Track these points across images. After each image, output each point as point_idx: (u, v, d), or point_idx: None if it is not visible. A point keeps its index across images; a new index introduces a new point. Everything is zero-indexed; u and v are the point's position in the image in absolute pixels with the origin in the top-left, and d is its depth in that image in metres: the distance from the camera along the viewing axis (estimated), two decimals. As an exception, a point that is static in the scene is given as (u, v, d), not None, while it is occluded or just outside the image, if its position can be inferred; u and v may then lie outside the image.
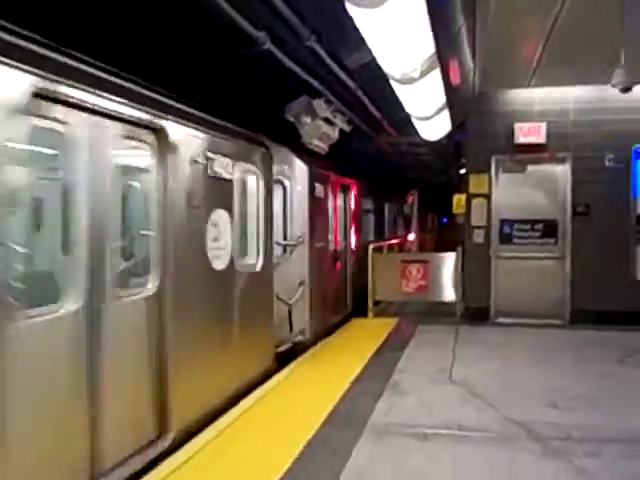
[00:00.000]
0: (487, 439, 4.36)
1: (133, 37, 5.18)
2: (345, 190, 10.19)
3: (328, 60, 5.90)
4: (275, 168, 6.58)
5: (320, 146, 7.75)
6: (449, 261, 9.63)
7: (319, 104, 6.97)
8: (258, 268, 5.95)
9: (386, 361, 6.70)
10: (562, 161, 9.17)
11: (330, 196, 9.07)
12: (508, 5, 5.70)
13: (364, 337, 8.18)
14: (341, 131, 8.08)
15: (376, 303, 10.02)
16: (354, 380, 5.90)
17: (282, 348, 6.80)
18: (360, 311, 9.84)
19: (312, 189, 7.89)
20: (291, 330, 7.37)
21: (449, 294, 9.57)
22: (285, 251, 7.53)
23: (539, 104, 9.19)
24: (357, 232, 10.77)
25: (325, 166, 8.81)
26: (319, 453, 4.07)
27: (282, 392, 5.52)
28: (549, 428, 4.51)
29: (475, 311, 9.29)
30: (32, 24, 3.27)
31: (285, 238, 7.52)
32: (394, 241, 14.27)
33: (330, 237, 9.07)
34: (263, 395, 5.38)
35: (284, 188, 7.60)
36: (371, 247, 10.09)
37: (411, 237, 17.53)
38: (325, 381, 5.93)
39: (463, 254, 9.51)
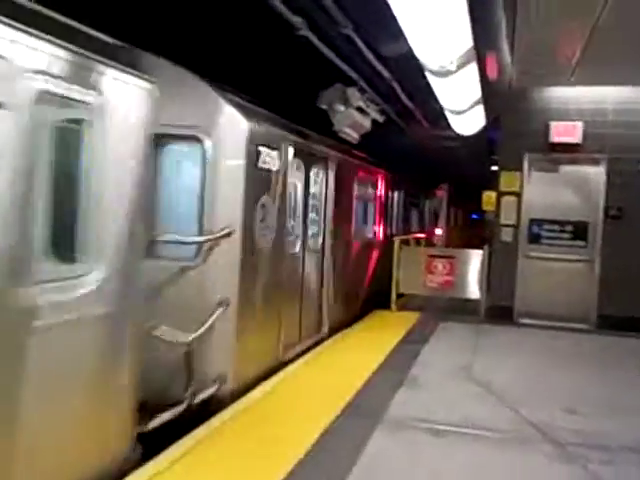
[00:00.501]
0: (502, 439, 4.32)
1: (170, 21, 5.22)
2: (359, 175, 9.09)
3: (364, 49, 5.87)
4: (179, 114, 4.58)
5: (352, 135, 7.71)
6: (476, 258, 9.54)
7: (353, 93, 6.95)
8: (91, 289, 3.12)
9: (406, 354, 6.68)
10: (597, 162, 9.00)
11: (321, 177, 7.34)
12: (550, 2, 5.58)
13: (386, 329, 8.16)
14: (374, 121, 8.03)
15: (400, 296, 9.99)
16: (374, 371, 5.89)
17: (157, 422, 3.98)
18: (383, 303, 9.81)
19: (255, 157, 5.10)
20: (189, 383, 4.37)
21: (474, 291, 9.49)
22: (198, 253, 4.76)
23: (576, 103, 9.01)
24: (381, 224, 10.70)
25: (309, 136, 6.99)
26: (333, 444, 4.06)
27: (299, 379, 5.54)
28: (565, 432, 4.45)
29: (499, 310, 9.20)
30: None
31: (201, 230, 4.79)
32: (421, 235, 14.18)
33: (311, 230, 7.17)
34: (278, 380, 5.40)
35: (203, 151, 4.77)
36: (397, 240, 10.04)
37: (438, 232, 17.40)
38: (344, 370, 5.93)
39: (490, 252, 9.42)
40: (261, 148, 5.12)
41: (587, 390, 5.68)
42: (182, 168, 4.91)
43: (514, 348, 7.40)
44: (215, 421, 4.29)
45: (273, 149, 5.37)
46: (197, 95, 4.76)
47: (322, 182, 7.30)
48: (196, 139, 4.72)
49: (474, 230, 24.72)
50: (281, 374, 5.66)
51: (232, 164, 4.84)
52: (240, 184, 4.87)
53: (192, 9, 5.19)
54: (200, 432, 4.08)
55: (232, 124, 4.80)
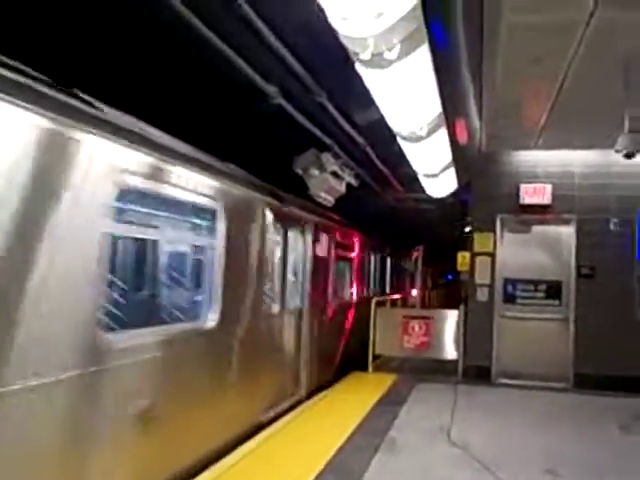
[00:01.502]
0: (483, 504, 4.26)
1: (149, 87, 5.33)
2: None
3: (337, 116, 6.04)
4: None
5: (327, 199, 7.83)
6: (451, 318, 9.58)
7: (327, 158, 7.09)
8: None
9: (384, 417, 6.60)
10: (567, 222, 9.21)
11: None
12: (514, 69, 5.83)
13: (363, 391, 8.07)
14: (348, 185, 8.17)
15: (376, 357, 9.93)
16: (350, 435, 5.81)
17: None
18: (360, 365, 9.74)
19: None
20: None
21: (451, 352, 9.48)
22: None
23: (544, 166, 9.30)
24: (359, 286, 10.77)
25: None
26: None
27: (274, 445, 5.42)
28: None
29: (476, 370, 9.18)
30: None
31: None
32: (397, 296, 14.22)
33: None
34: (251, 449, 5.28)
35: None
36: (373, 302, 10.06)
37: (414, 292, 17.48)
38: (320, 435, 5.83)
39: (466, 312, 9.47)
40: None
41: (566, 450, 5.63)
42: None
43: (492, 409, 7.35)
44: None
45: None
46: None
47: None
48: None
49: (449, 290, 24.85)
50: (259, 436, 5.57)
51: None
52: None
53: (170, 77, 5.32)
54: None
55: None
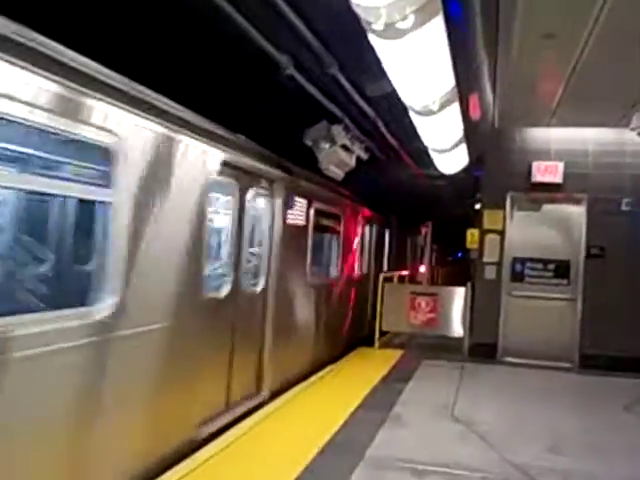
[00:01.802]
0: None
1: (159, 58, 5.27)
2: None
3: (349, 88, 5.95)
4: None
5: (336, 172, 7.77)
6: (459, 296, 9.56)
7: (338, 131, 7.01)
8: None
9: (389, 392, 6.63)
10: (578, 202, 9.13)
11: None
12: (530, 45, 5.72)
13: (369, 367, 8.10)
14: (358, 159, 8.10)
15: (383, 333, 9.95)
16: (355, 409, 5.84)
17: None
18: (366, 341, 9.77)
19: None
20: None
21: (457, 329, 9.49)
22: None
23: (557, 144, 9.19)
24: (367, 260, 10.74)
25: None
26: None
27: (276, 420, 5.45)
28: (548, 473, 4.42)
29: (482, 348, 9.19)
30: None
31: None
32: (404, 272, 14.21)
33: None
34: (257, 421, 5.31)
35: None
36: (381, 277, 10.05)
37: (422, 269, 17.46)
38: (325, 408, 5.87)
39: (473, 289, 9.45)
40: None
41: (571, 430, 5.65)
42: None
43: (497, 387, 7.37)
44: (192, 462, 4.21)
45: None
46: None
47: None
48: None
49: (458, 268, 24.81)
50: (264, 409, 5.61)
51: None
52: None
53: (181, 46, 5.25)
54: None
55: None
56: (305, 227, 7.23)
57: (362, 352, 9.28)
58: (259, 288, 5.96)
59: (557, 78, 6.75)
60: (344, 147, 7.31)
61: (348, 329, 9.58)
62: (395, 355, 8.98)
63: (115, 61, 3.77)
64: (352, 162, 7.84)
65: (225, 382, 5.24)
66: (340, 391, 6.65)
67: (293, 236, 6.75)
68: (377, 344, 9.64)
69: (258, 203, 6.04)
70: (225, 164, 4.93)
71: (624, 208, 8.88)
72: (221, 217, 5.88)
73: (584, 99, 7.40)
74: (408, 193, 14.13)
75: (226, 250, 5.57)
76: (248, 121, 6.37)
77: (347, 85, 5.85)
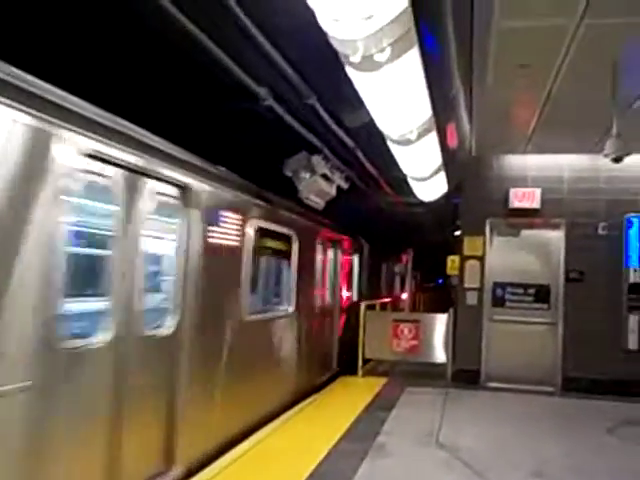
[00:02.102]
0: (472, 508, 4.26)
1: (138, 89, 5.30)
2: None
3: (327, 118, 6.02)
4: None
5: (317, 201, 7.81)
6: (441, 322, 9.58)
7: (317, 160, 7.06)
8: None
9: (373, 421, 6.58)
10: (556, 227, 9.25)
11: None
12: (503, 74, 5.86)
13: (352, 396, 8.05)
14: (338, 188, 8.16)
15: (366, 361, 9.92)
16: (339, 439, 5.79)
17: None
18: (349, 369, 9.73)
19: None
20: None
21: (440, 355, 9.49)
22: None
23: (534, 170, 9.34)
24: (348, 289, 10.74)
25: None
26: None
27: (260, 452, 5.39)
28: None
29: (465, 374, 9.19)
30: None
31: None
32: (386, 300, 14.22)
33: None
34: (242, 452, 5.25)
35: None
36: (363, 305, 10.05)
37: (404, 296, 17.50)
38: (309, 439, 5.81)
39: (455, 315, 9.48)
40: None
41: (556, 454, 5.64)
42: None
43: (481, 412, 7.35)
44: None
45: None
46: None
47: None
48: None
49: (439, 294, 24.89)
50: (247, 441, 5.55)
51: None
52: None
53: (160, 79, 5.29)
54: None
55: None
56: (239, 249, 5.86)
57: (345, 381, 9.23)
58: (168, 330, 4.51)
59: (532, 106, 6.90)
60: (324, 177, 7.37)
61: (303, 372, 8.13)
62: (378, 383, 8.95)
63: (96, 94, 3.79)
64: (332, 191, 7.89)
65: (105, 461, 3.74)
66: (323, 422, 6.59)
67: (221, 261, 5.49)
68: (360, 372, 9.60)
69: (161, 216, 4.59)
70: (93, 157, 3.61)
71: (601, 232, 9.01)
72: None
73: (559, 126, 7.56)
74: (387, 220, 14.22)
75: (106, 280, 3.89)
76: (228, 152, 6.41)
77: (326, 116, 5.93)
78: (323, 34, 3.56)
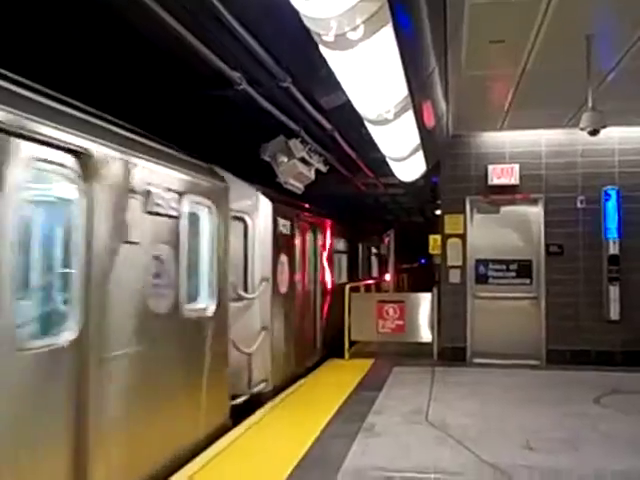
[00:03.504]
0: (463, 482, 4.29)
1: (111, 79, 5.22)
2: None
3: (303, 101, 5.98)
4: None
5: (296, 185, 7.77)
6: (425, 301, 9.64)
7: (295, 144, 7.02)
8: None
9: (362, 402, 6.61)
10: (535, 202, 9.31)
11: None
12: (477, 50, 5.84)
13: (340, 378, 8.08)
14: (317, 171, 8.12)
15: (353, 343, 9.94)
16: (328, 422, 5.80)
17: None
18: (336, 351, 9.75)
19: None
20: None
21: (426, 334, 9.54)
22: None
23: (511, 146, 9.37)
24: (331, 272, 10.74)
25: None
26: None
27: (251, 437, 5.39)
28: (525, 471, 4.45)
29: (452, 352, 9.26)
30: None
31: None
32: (370, 281, 14.26)
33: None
34: (233, 438, 5.25)
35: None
36: (347, 287, 10.06)
37: (387, 277, 17.55)
38: (299, 423, 5.82)
39: (439, 294, 9.53)
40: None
41: (544, 426, 5.70)
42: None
43: (468, 388, 7.41)
44: None
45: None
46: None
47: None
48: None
49: (423, 273, 25.00)
50: (239, 427, 5.56)
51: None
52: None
53: (131, 67, 5.21)
54: None
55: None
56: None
57: (333, 363, 9.26)
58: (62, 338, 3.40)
59: (507, 82, 6.90)
60: (303, 160, 7.33)
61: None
62: (366, 364, 8.98)
63: (76, 87, 3.73)
64: (311, 175, 7.86)
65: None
66: (312, 404, 6.61)
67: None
68: (347, 355, 9.63)
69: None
70: None
71: (579, 206, 9.09)
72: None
73: (534, 102, 7.57)
74: (368, 203, 14.23)
75: None
76: (204, 140, 6.35)
77: (301, 98, 5.88)
78: (296, 14, 3.51)
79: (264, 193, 7.26)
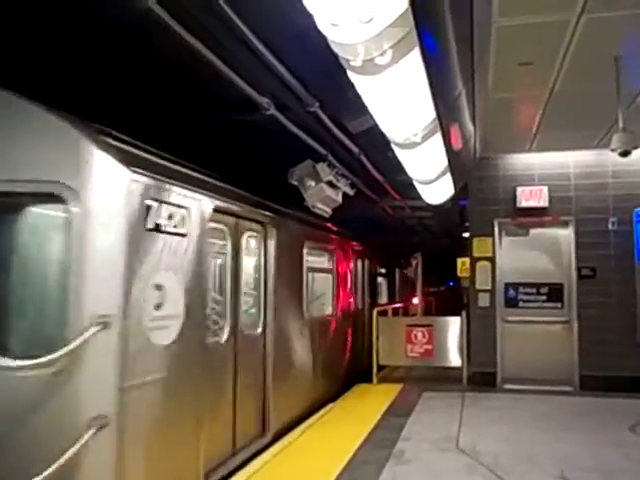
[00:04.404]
0: (495, 511, 4.19)
1: (141, 105, 5.31)
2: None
3: (331, 125, 6.01)
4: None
5: (323, 209, 7.78)
6: (454, 325, 9.52)
7: (322, 168, 7.04)
8: None
9: (391, 428, 6.52)
10: (565, 224, 9.19)
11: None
12: (505, 72, 5.83)
13: (368, 403, 7.99)
14: (345, 194, 8.13)
15: (381, 368, 9.85)
16: (357, 448, 5.73)
17: None
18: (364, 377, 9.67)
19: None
20: None
21: (455, 359, 9.42)
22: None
23: (540, 168, 9.29)
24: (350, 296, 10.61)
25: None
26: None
27: (280, 462, 5.34)
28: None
29: (482, 377, 9.11)
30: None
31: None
32: (398, 305, 14.14)
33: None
34: (262, 463, 5.21)
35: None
36: (375, 311, 10.00)
37: (415, 301, 17.40)
38: (327, 449, 5.75)
39: (468, 318, 9.41)
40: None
41: (578, 454, 5.56)
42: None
43: (499, 415, 7.27)
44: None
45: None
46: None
47: None
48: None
49: (450, 297, 24.76)
50: (268, 451, 5.56)
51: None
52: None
53: (160, 93, 5.30)
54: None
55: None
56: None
57: (361, 388, 9.17)
58: None
59: (535, 104, 6.86)
60: (330, 184, 7.34)
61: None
62: (394, 389, 8.88)
63: (106, 113, 3.80)
64: (339, 198, 7.87)
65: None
66: (341, 430, 6.53)
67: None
68: (375, 379, 9.54)
69: None
70: None
71: (611, 228, 8.94)
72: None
73: (563, 123, 7.52)
74: (397, 225, 14.19)
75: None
76: (233, 164, 6.41)
77: (329, 122, 5.91)
78: (323, 39, 3.54)
79: (107, 145, 3.70)
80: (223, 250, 5.44)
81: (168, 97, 5.37)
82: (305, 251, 7.53)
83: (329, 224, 8.92)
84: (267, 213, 6.24)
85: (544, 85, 6.19)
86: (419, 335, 9.50)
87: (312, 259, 8.05)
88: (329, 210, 7.92)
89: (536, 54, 5.48)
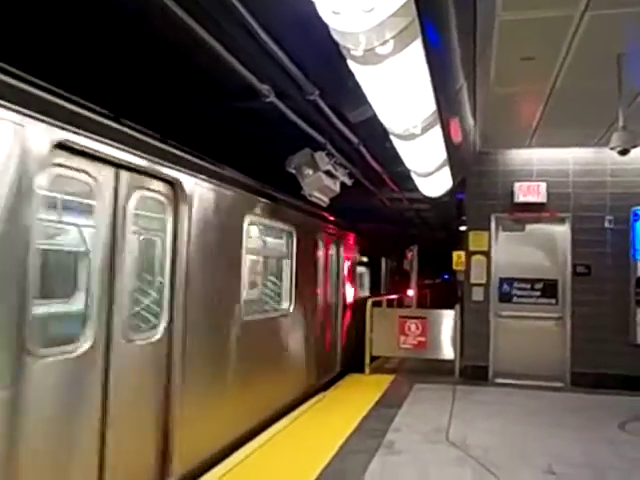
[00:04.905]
0: (482, 504, 4.22)
1: (141, 90, 5.29)
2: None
3: (330, 114, 5.98)
4: None
5: (321, 198, 7.76)
6: (448, 318, 9.54)
7: (321, 157, 7.00)
8: None
9: (381, 419, 6.55)
10: (562, 221, 9.19)
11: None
12: (507, 67, 5.81)
13: (360, 393, 8.02)
14: (343, 184, 8.10)
15: (374, 359, 9.88)
16: (348, 437, 5.75)
17: None
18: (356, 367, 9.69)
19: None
20: None
21: (448, 352, 9.44)
22: None
23: (539, 164, 9.28)
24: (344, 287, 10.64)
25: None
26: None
27: (269, 451, 5.36)
28: (547, 494, 4.37)
29: (474, 370, 9.15)
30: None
31: None
32: (393, 296, 14.16)
33: None
34: (245, 455, 5.22)
35: None
36: (370, 302, 10.01)
37: (410, 293, 17.43)
38: (317, 438, 5.77)
39: (462, 311, 9.43)
40: None
41: (566, 450, 5.59)
42: None
43: (490, 409, 7.30)
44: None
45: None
46: None
47: None
48: None
49: (445, 290, 24.81)
50: (257, 440, 5.53)
51: None
52: None
53: (160, 77, 5.27)
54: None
55: None
56: None
57: (353, 378, 9.19)
58: None
59: (536, 99, 6.84)
60: (328, 173, 7.32)
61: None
62: (386, 380, 8.91)
63: (105, 97, 3.78)
64: (336, 188, 7.84)
65: None
66: (332, 419, 6.56)
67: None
68: (367, 370, 9.56)
69: None
70: None
71: (607, 225, 8.95)
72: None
73: (563, 119, 7.50)
74: (393, 217, 14.18)
75: None
76: (231, 151, 6.38)
77: (328, 111, 5.88)
78: (324, 27, 3.52)
79: None
80: (89, 217, 3.86)
81: (168, 82, 5.34)
82: (246, 227, 5.90)
83: (290, 197, 7.39)
84: (181, 168, 4.58)
85: (546, 81, 6.17)
86: (412, 327, 9.52)
87: (258, 239, 6.77)
88: (327, 200, 7.89)
89: (539, 49, 5.45)
